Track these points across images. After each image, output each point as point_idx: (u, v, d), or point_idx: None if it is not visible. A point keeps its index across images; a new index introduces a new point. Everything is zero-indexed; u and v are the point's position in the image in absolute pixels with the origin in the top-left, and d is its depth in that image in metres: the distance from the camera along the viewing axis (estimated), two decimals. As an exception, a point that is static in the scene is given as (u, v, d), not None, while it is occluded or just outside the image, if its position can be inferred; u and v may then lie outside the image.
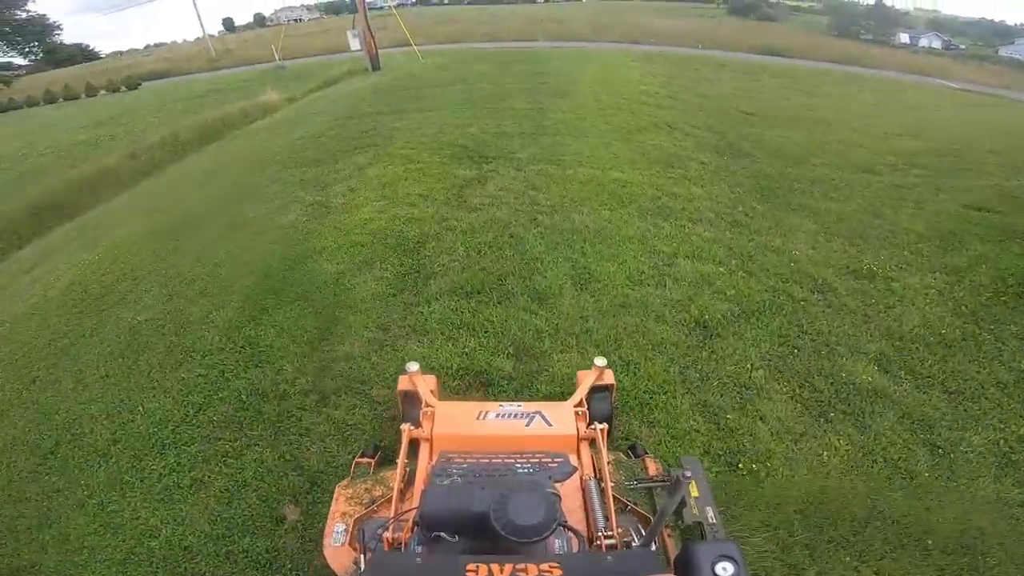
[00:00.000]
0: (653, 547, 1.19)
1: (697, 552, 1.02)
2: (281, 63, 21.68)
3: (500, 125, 8.24)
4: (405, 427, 1.67)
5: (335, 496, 1.72)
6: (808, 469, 2.76)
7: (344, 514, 1.63)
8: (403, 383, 2.02)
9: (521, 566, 0.83)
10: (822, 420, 3.07)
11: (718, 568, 0.99)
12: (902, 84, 21.07)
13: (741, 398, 3.15)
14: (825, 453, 2.86)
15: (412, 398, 1.95)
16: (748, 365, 3.39)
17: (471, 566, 0.84)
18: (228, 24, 74.60)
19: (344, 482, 1.78)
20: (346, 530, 1.56)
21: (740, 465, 2.71)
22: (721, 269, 4.41)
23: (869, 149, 8.72)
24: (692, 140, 8.10)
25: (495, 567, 0.83)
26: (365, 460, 1.98)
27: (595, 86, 11.96)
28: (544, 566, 0.84)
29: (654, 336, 3.56)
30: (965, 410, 3.20)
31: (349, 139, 8.12)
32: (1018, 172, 7.63)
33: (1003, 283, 4.37)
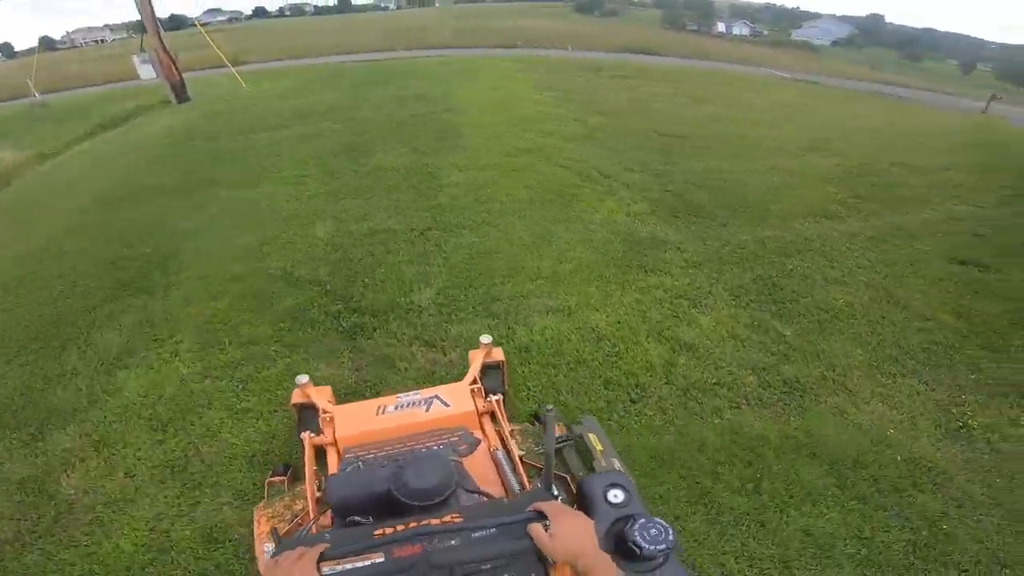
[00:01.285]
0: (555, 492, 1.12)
1: (591, 483, 1.13)
2: (40, 98, 15.28)
3: (368, 214, 5.24)
4: (306, 435, 1.58)
5: (256, 519, 1.58)
6: None
7: (269, 533, 1.42)
8: (296, 396, 1.83)
9: (424, 522, 0.83)
10: None
11: (610, 495, 1.09)
12: (759, 79, 21.32)
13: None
14: None
15: (308, 409, 1.78)
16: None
17: (377, 532, 0.82)
18: (6, 51, 59.78)
19: (261, 504, 1.64)
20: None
21: None
22: None
23: (806, 178, 7.33)
24: (643, 201, 5.78)
25: (399, 527, 0.82)
26: (277, 479, 1.86)
27: (489, 115, 9.31)
28: (446, 517, 0.85)
29: None
30: None
31: (90, 274, 4.48)
32: (938, 190, 7.26)
33: None
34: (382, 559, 0.76)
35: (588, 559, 0.75)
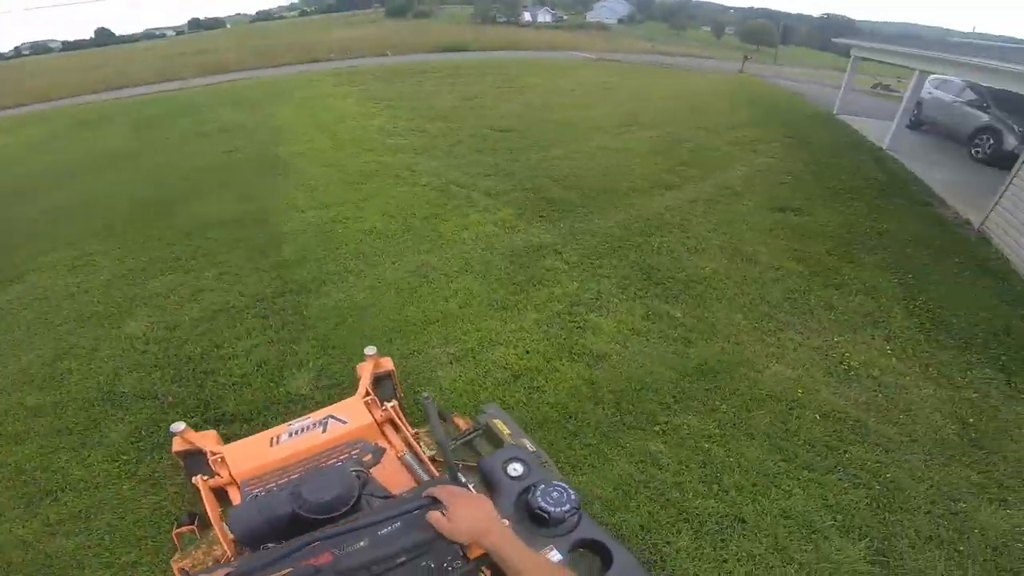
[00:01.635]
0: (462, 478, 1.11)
1: (489, 462, 1.13)
2: None
3: (195, 292, 4.17)
4: (198, 479, 1.48)
5: (176, 572, 1.42)
6: None
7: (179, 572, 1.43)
8: (178, 444, 1.67)
9: (331, 525, 0.85)
10: None
11: (509, 470, 1.10)
12: (566, 63, 22.79)
13: None
14: None
15: (195, 455, 1.66)
16: None
17: (283, 550, 0.81)
18: None
19: (176, 557, 1.50)
20: None
21: None
22: None
23: (633, 154, 7.91)
24: (505, 206, 5.57)
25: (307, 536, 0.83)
26: (185, 529, 1.65)
27: (318, 139, 8.31)
28: (352, 517, 0.86)
29: None
30: None
31: None
32: (739, 147, 8.37)
33: None
34: (290, 572, 0.76)
35: (492, 536, 0.78)
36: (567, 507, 0.98)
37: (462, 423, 1.81)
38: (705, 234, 5.20)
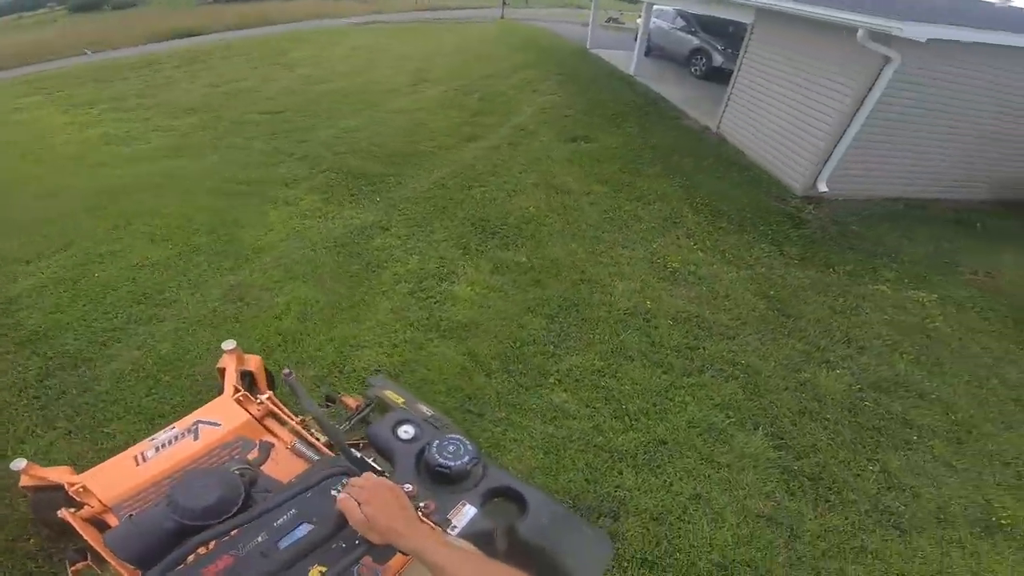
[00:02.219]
0: (363, 456, 1.06)
1: (376, 429, 1.07)
2: None
3: None
4: (65, 512, 1.35)
5: None
6: None
7: None
8: (25, 480, 1.58)
9: (223, 527, 0.78)
10: None
11: (400, 432, 1.05)
12: (332, 31, 20.77)
13: None
14: None
15: (49, 491, 1.56)
16: None
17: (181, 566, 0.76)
18: None
19: None
20: None
21: None
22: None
23: (430, 112, 7.75)
24: (310, 192, 4.87)
25: (200, 550, 0.76)
26: (81, 565, 1.55)
27: (29, 171, 6.06)
28: (243, 517, 0.79)
29: None
30: None
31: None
32: (522, 89, 8.89)
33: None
34: None
35: (411, 540, 0.68)
36: (467, 458, 0.94)
37: (351, 402, 1.72)
38: (517, 175, 5.37)
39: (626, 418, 2.67)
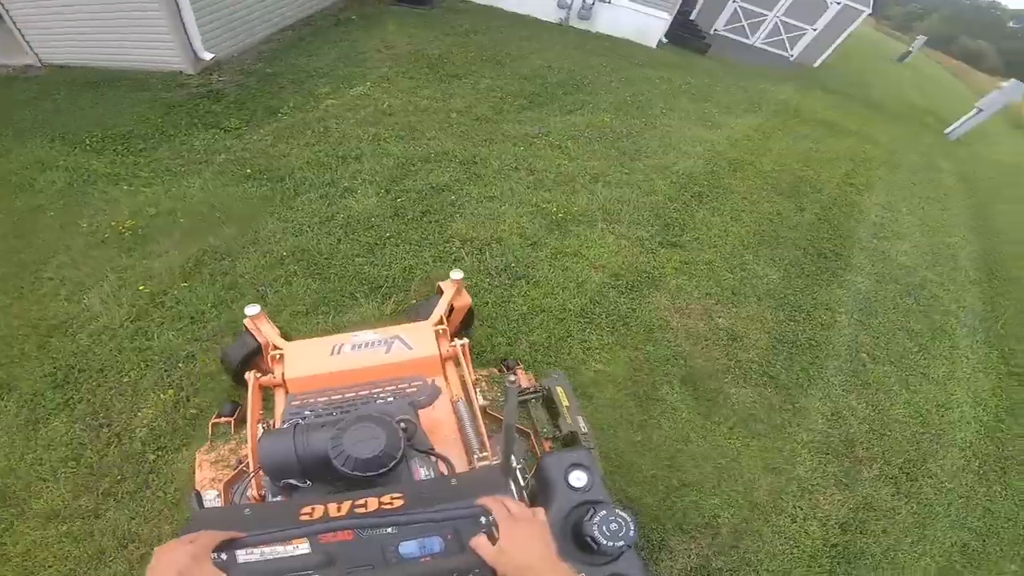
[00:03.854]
0: (518, 463, 1.15)
1: (551, 462, 1.01)
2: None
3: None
4: (251, 375, 1.44)
5: (198, 464, 1.57)
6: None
7: (213, 479, 1.53)
8: (248, 323, 1.67)
9: (360, 501, 0.76)
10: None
11: (571, 478, 0.99)
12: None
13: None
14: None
15: (247, 338, 1.70)
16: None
17: (306, 509, 0.75)
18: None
19: (204, 447, 1.62)
20: (218, 495, 1.47)
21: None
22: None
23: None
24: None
25: (332, 506, 0.75)
26: (223, 420, 1.77)
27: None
28: (385, 498, 0.77)
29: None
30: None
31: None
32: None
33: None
34: (308, 548, 0.69)
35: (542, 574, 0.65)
36: (622, 543, 0.88)
37: (524, 379, 1.72)
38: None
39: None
